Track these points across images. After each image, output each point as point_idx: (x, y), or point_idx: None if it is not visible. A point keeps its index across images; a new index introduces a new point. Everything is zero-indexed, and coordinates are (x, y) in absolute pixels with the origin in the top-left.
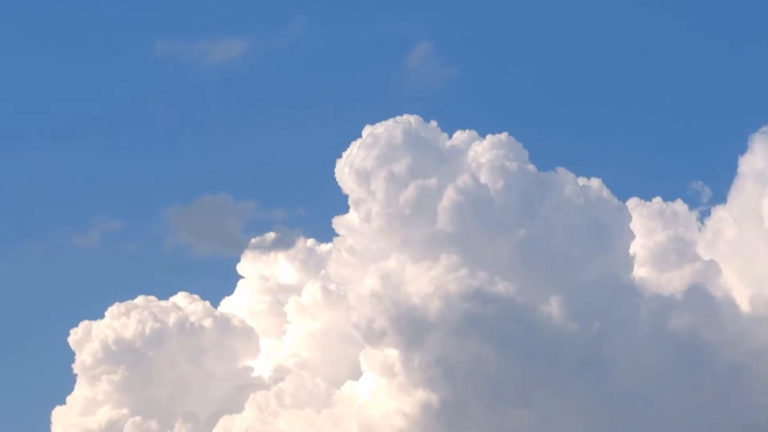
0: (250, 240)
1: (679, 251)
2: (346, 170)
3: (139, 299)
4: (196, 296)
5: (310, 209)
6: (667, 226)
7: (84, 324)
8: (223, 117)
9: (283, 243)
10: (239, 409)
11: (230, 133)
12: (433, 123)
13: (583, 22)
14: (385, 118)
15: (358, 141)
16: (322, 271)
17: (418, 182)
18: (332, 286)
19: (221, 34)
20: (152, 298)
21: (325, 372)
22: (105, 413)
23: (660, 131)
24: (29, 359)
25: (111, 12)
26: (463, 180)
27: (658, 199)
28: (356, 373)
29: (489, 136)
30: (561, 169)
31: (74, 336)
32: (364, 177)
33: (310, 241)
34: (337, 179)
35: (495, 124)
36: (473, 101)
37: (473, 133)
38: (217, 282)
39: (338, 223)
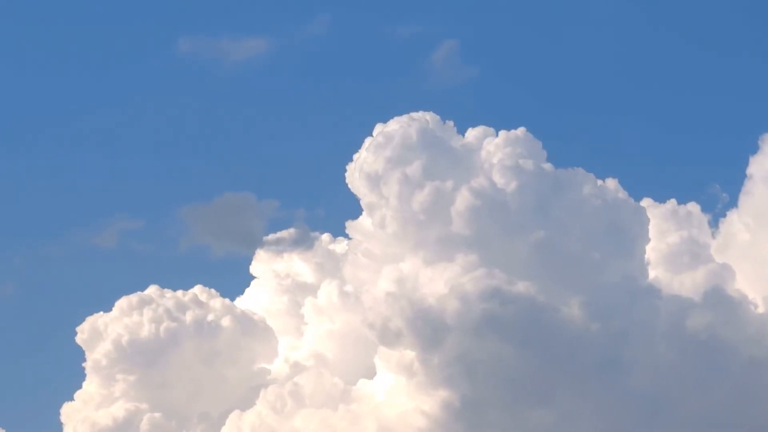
0: (268, 239)
1: (693, 253)
2: (356, 175)
3: (152, 290)
4: (213, 290)
5: (331, 209)
6: (681, 227)
7: (90, 319)
8: (246, 115)
9: (300, 242)
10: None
11: (252, 132)
12: (450, 122)
13: (603, 28)
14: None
15: (368, 141)
16: (339, 272)
17: (434, 183)
18: (348, 287)
19: (244, 32)
20: (167, 291)
21: (342, 371)
22: (117, 408)
23: (672, 133)
24: (45, 357)
25: (135, 8)
26: (478, 181)
27: (671, 201)
28: (372, 373)
29: (505, 132)
30: (578, 169)
31: (81, 335)
32: (375, 181)
33: (326, 238)
34: (348, 184)
35: (514, 124)
36: (495, 101)
37: (489, 129)
38: (235, 281)
39: (352, 227)
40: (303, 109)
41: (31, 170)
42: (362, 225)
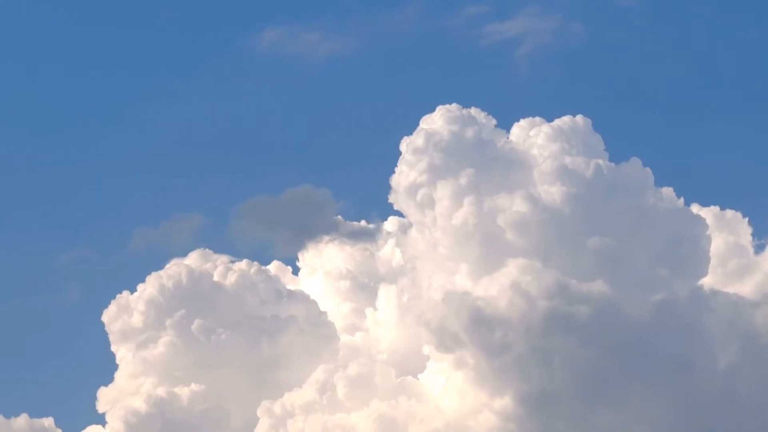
0: (331, 237)
1: (740, 258)
2: (399, 192)
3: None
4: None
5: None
6: (731, 232)
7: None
8: (326, 110)
9: (365, 243)
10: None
11: (331, 127)
12: (503, 131)
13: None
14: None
15: (405, 145)
16: (400, 273)
17: (482, 193)
18: (407, 290)
19: (327, 25)
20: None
21: (400, 369)
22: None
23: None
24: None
25: None
26: (533, 190)
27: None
28: (429, 372)
29: (560, 121)
30: (641, 172)
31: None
32: (419, 195)
33: (389, 241)
34: (393, 203)
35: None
36: (567, 104)
37: (538, 119)
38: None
39: (403, 243)
40: (384, 104)
41: (98, 170)
42: (413, 240)
